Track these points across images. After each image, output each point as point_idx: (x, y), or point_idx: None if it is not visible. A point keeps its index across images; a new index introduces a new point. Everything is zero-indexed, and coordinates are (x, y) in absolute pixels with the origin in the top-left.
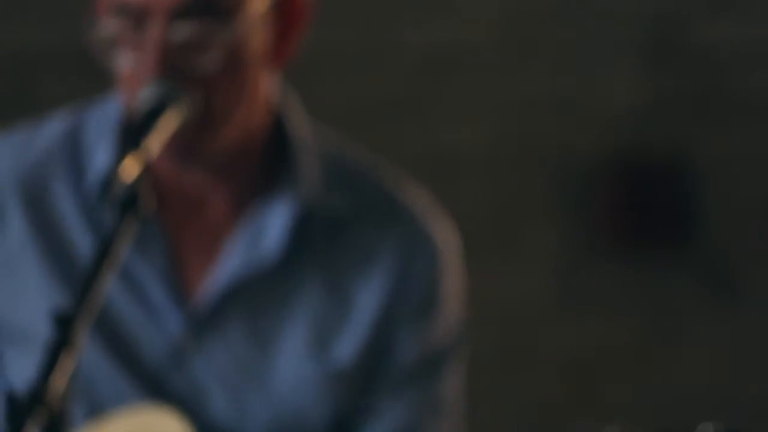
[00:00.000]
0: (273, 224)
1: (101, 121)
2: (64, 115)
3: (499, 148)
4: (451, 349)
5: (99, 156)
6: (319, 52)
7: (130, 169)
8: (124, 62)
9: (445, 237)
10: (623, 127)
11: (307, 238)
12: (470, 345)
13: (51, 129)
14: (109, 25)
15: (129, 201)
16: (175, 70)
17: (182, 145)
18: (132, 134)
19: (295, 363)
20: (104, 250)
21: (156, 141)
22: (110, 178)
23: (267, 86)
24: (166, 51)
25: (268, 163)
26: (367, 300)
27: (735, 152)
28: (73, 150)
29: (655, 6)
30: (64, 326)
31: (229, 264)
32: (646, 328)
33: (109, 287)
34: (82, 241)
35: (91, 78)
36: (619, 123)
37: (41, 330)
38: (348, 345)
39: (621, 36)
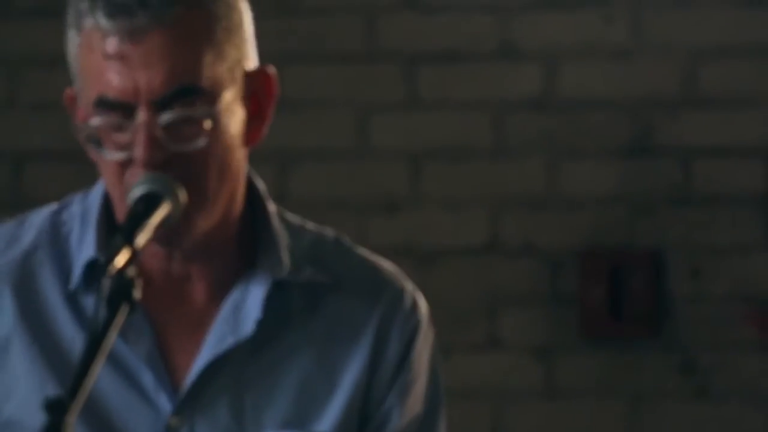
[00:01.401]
0: (251, 301)
1: (85, 214)
2: (49, 208)
3: (483, 240)
4: (434, 417)
5: (84, 248)
6: (307, 145)
7: (121, 261)
8: (111, 156)
9: (423, 309)
10: (602, 220)
11: (287, 311)
12: (455, 429)
13: (37, 222)
14: (93, 122)
15: (119, 292)
16: (163, 160)
17: (168, 229)
18: (123, 228)
19: None
20: (95, 340)
21: (146, 234)
22: (101, 270)
23: (244, 167)
24: (154, 140)
25: (246, 244)
26: (352, 372)
27: (708, 244)
28: (58, 243)
29: (631, 106)
30: (56, 414)
31: (211, 344)
32: (628, 413)
33: (99, 374)
34: (68, 332)
35: (78, 173)
36: (599, 213)
37: (31, 420)
38: (331, 417)
39: (600, 131)
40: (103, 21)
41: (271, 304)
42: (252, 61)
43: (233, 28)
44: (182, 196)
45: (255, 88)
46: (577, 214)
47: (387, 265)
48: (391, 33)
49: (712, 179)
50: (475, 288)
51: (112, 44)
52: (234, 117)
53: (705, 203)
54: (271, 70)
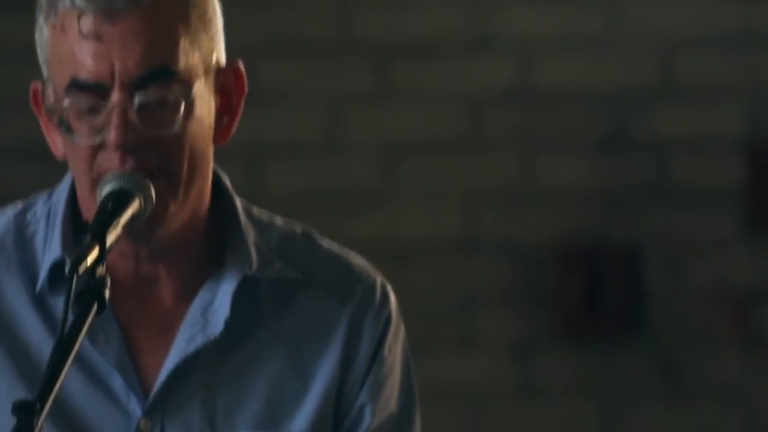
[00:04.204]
0: (220, 300)
1: (51, 214)
2: (12, 208)
3: (457, 235)
4: (408, 415)
5: (50, 249)
6: (280, 139)
7: (90, 259)
8: (83, 140)
9: (394, 302)
10: (578, 215)
11: (257, 308)
12: (429, 430)
13: (1, 223)
14: (64, 103)
15: (89, 291)
16: (136, 144)
17: (141, 222)
18: (92, 225)
19: None
20: (64, 342)
21: (115, 232)
22: (72, 268)
23: (211, 163)
24: (127, 122)
25: (213, 241)
26: (324, 370)
27: (686, 239)
28: (22, 244)
29: (607, 98)
30: (25, 418)
31: (180, 345)
32: (605, 411)
33: (68, 377)
34: (35, 335)
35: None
36: (574, 210)
37: (1, 425)
38: (304, 417)
39: (576, 125)
40: (80, 1)
41: (240, 301)
42: (222, 56)
43: (207, 19)
44: (152, 193)
45: (225, 84)
46: (554, 210)
47: (357, 258)
48: (364, 25)
49: (689, 173)
50: (450, 285)
51: (87, 23)
52: (206, 107)
53: (682, 198)
54: (241, 65)
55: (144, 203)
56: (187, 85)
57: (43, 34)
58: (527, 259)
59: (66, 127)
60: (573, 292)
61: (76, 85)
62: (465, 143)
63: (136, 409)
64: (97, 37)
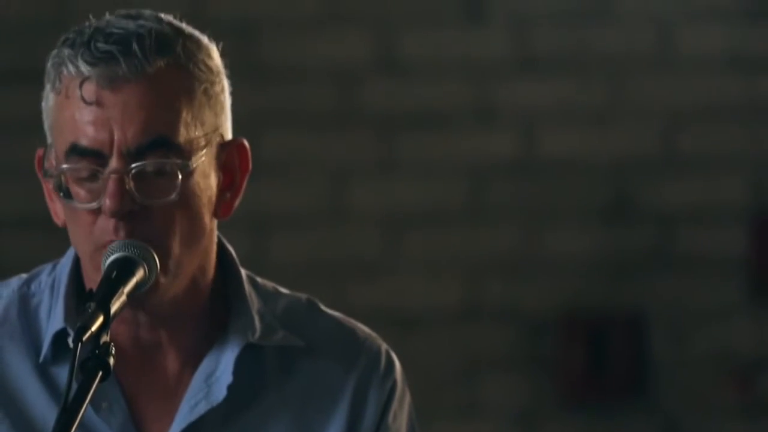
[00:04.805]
0: (223, 366)
1: (55, 284)
2: (17, 279)
3: (461, 303)
4: None
5: (53, 319)
6: (284, 209)
7: (94, 329)
8: (79, 205)
9: (399, 369)
10: (581, 283)
11: (261, 375)
12: None
13: (5, 294)
14: (63, 167)
15: (94, 358)
16: (130, 212)
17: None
18: (97, 293)
19: None
20: (68, 409)
21: (119, 300)
22: (75, 338)
23: (214, 236)
24: (123, 190)
25: (218, 310)
26: None
27: (690, 307)
28: (27, 315)
29: (610, 169)
30: None
31: (184, 412)
32: None
33: None
34: (39, 405)
35: (52, 241)
36: (578, 278)
37: None
38: None
39: (579, 195)
40: (84, 67)
41: (243, 368)
42: (228, 133)
43: (213, 95)
44: (157, 263)
45: (229, 160)
46: (557, 278)
47: (360, 326)
48: (367, 97)
49: (692, 242)
50: (453, 353)
51: (89, 90)
52: (206, 182)
53: (686, 266)
54: (245, 143)
55: (148, 272)
56: (186, 156)
57: (48, 101)
58: (531, 326)
59: (64, 192)
60: (577, 359)
61: (75, 151)
62: (468, 213)
63: None
64: (99, 103)
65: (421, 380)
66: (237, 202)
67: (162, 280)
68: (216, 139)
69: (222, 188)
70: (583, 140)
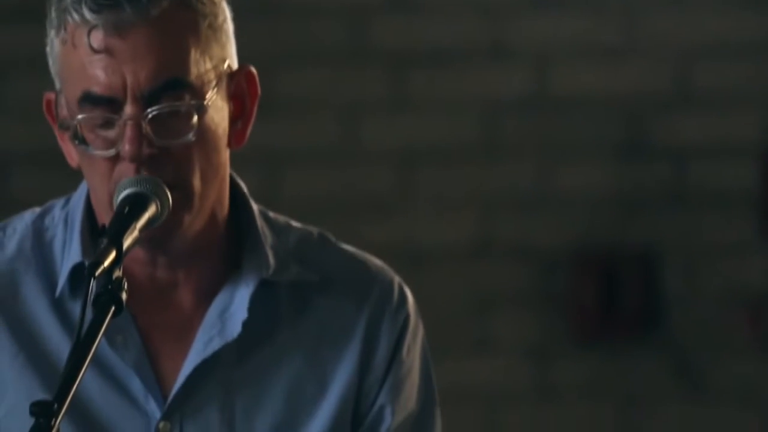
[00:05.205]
0: (237, 303)
1: (69, 218)
2: (31, 213)
3: (474, 240)
4: (428, 414)
5: (69, 253)
6: (298, 146)
7: (107, 262)
8: (98, 153)
9: (412, 302)
10: (594, 219)
11: (275, 311)
12: None
13: (20, 228)
14: (78, 118)
15: (106, 294)
16: (150, 156)
17: (157, 230)
18: (109, 229)
19: None
20: (81, 343)
21: (132, 236)
22: (88, 273)
23: (228, 169)
24: (141, 135)
25: (231, 246)
26: (342, 372)
27: (702, 242)
28: (41, 249)
29: (624, 105)
30: (43, 418)
31: (198, 348)
32: (621, 414)
33: (88, 380)
34: (55, 339)
35: (64, 175)
36: (590, 215)
37: (20, 426)
38: (323, 419)
39: (592, 131)
40: (89, 15)
41: (257, 304)
42: (234, 61)
43: (217, 27)
44: (169, 198)
45: (238, 88)
46: (569, 214)
47: (374, 260)
48: (379, 34)
49: (705, 178)
50: (466, 289)
51: (97, 38)
52: (219, 115)
53: (698, 202)
54: (252, 69)
55: (161, 207)
56: (199, 94)
57: (54, 47)
58: (544, 263)
59: (80, 140)
60: (589, 295)
61: (88, 100)
62: (481, 150)
63: (155, 411)
64: (108, 51)
65: (433, 317)
66: (249, 130)
67: (186, 217)
68: (223, 71)
69: (233, 117)
70: (596, 77)
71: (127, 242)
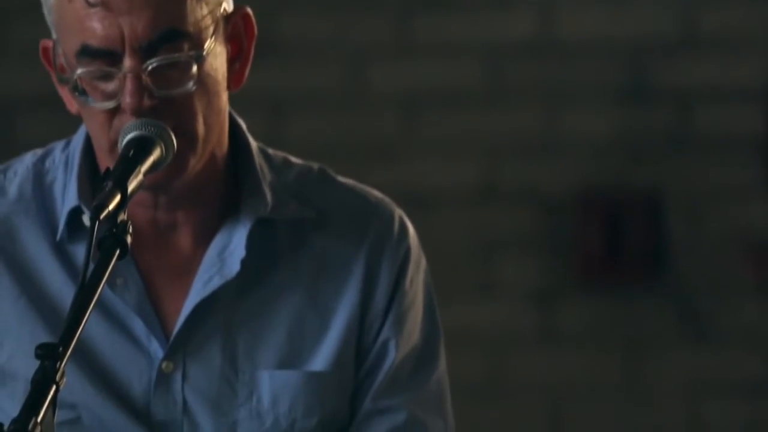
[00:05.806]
0: (236, 241)
1: (68, 162)
2: (32, 155)
3: (478, 184)
4: (432, 347)
5: (68, 197)
6: (303, 91)
7: (111, 208)
8: (98, 105)
9: (412, 234)
10: (599, 163)
11: (274, 249)
12: (450, 375)
13: (21, 170)
14: (77, 72)
15: (111, 236)
16: (151, 107)
17: (160, 173)
18: (114, 172)
19: (275, 375)
20: (86, 287)
21: (137, 179)
22: (92, 216)
23: (227, 110)
24: (141, 86)
25: (230, 185)
26: (344, 307)
27: (706, 186)
28: (41, 192)
29: (628, 49)
30: (48, 361)
31: (198, 287)
32: (626, 357)
33: (91, 322)
34: (56, 282)
35: (68, 119)
36: (595, 159)
37: (23, 369)
38: (326, 355)
39: (597, 75)
40: None
41: (256, 242)
42: (230, 4)
43: None
44: (173, 141)
45: (235, 30)
46: (574, 159)
47: (373, 191)
48: None
49: (710, 122)
50: (470, 233)
51: None
52: (218, 60)
53: (703, 147)
54: (248, 10)
55: (165, 150)
56: (198, 43)
57: None
58: (548, 206)
59: (81, 92)
60: (594, 239)
61: (86, 53)
62: (485, 94)
63: (157, 351)
64: (104, 3)
65: (437, 261)
66: (247, 71)
67: (191, 161)
68: (220, 14)
69: (231, 59)
70: (602, 21)
71: (131, 185)
